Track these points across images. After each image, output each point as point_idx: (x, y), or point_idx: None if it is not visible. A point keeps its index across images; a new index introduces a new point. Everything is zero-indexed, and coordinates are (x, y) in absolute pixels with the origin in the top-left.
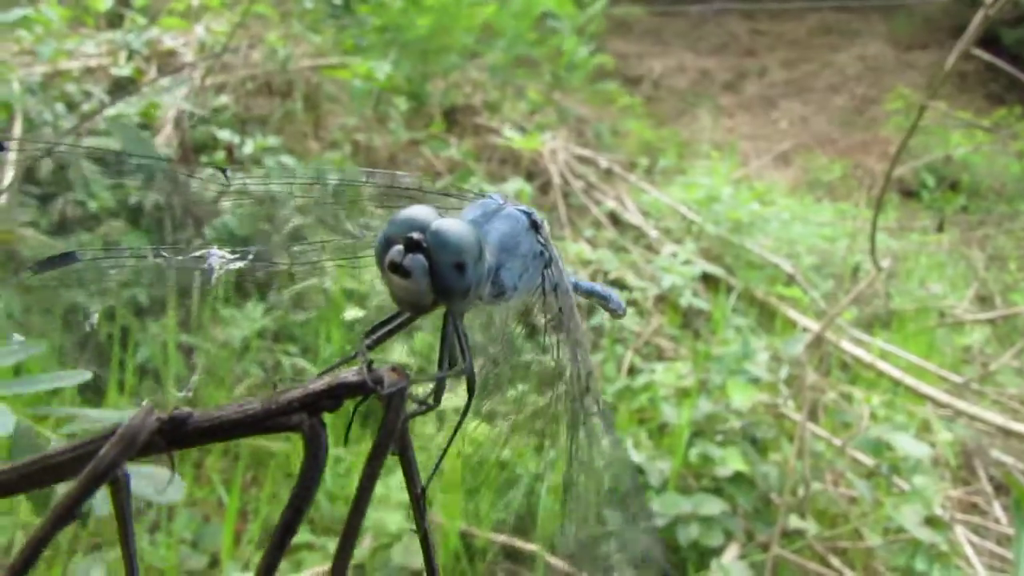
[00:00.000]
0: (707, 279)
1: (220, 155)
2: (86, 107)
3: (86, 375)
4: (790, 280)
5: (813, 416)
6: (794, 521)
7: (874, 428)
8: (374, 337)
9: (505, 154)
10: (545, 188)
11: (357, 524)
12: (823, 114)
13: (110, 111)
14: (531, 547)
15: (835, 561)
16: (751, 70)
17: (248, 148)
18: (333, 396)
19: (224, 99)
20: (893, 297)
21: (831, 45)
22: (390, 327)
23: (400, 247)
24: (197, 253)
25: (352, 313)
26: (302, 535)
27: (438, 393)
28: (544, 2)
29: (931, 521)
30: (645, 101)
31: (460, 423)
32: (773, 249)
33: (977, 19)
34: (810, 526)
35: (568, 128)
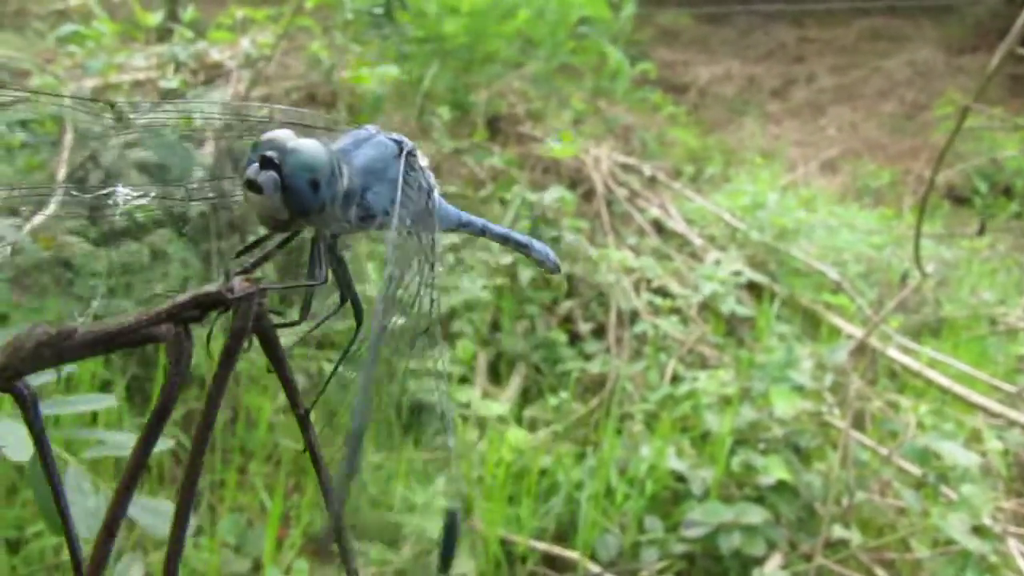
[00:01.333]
0: (751, 287)
1: None
2: (138, 118)
3: (111, 400)
4: (836, 287)
5: (859, 425)
6: (838, 531)
7: (921, 437)
8: (246, 258)
9: (548, 163)
10: (589, 196)
11: (208, 430)
12: (872, 120)
13: (160, 116)
14: (571, 554)
15: (881, 573)
16: (799, 76)
17: None
18: (196, 306)
19: (267, 110)
20: (943, 305)
21: (880, 50)
22: (264, 247)
23: (256, 165)
24: (104, 191)
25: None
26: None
27: (305, 309)
28: (579, 9)
29: (980, 531)
30: (691, 109)
31: (347, 349)
32: (819, 256)
33: (1021, 20)
34: (854, 536)
35: (614, 136)
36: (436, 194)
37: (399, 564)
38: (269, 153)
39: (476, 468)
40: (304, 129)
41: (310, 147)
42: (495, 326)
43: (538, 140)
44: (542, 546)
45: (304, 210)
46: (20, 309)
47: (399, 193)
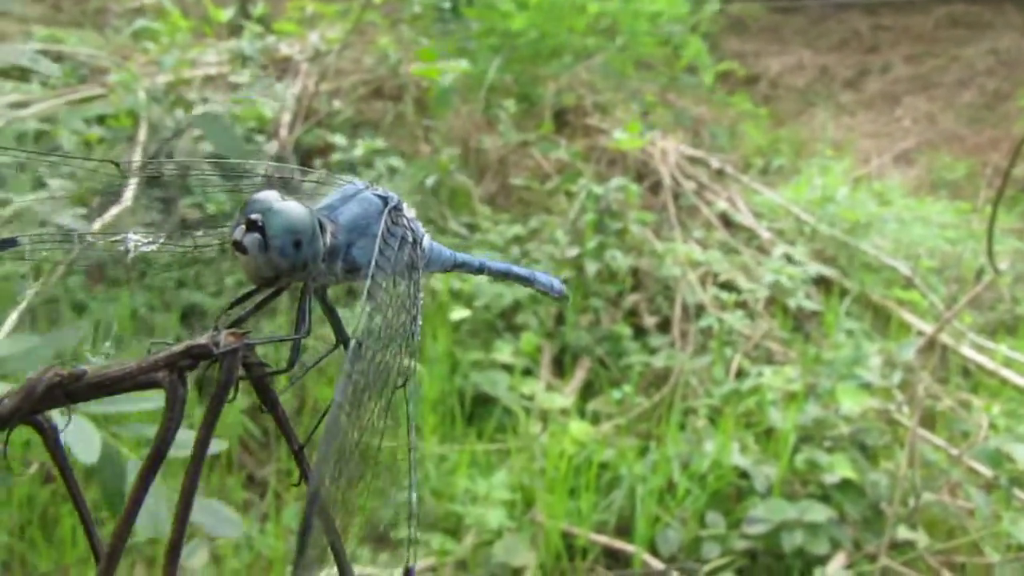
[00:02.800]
0: (820, 281)
1: (333, 158)
2: (199, 107)
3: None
4: (907, 283)
5: (928, 424)
6: (904, 532)
7: (994, 438)
8: (237, 310)
9: (615, 155)
10: (655, 189)
11: (196, 474)
12: (950, 111)
13: (214, 106)
14: (631, 548)
15: None
16: (873, 66)
17: (358, 151)
18: (189, 356)
19: (337, 104)
20: (1020, 302)
21: (960, 38)
22: (254, 300)
23: (242, 226)
24: (117, 236)
25: (459, 314)
26: (405, 530)
27: (292, 357)
28: (654, 3)
29: None
30: (762, 100)
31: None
32: (891, 251)
33: None
34: (921, 538)
35: (683, 129)
36: (427, 240)
37: (460, 554)
38: (253, 216)
39: (538, 460)
40: (292, 186)
41: (292, 209)
42: (560, 319)
43: (605, 132)
44: (602, 539)
45: (288, 268)
46: (96, 299)
47: (376, 250)
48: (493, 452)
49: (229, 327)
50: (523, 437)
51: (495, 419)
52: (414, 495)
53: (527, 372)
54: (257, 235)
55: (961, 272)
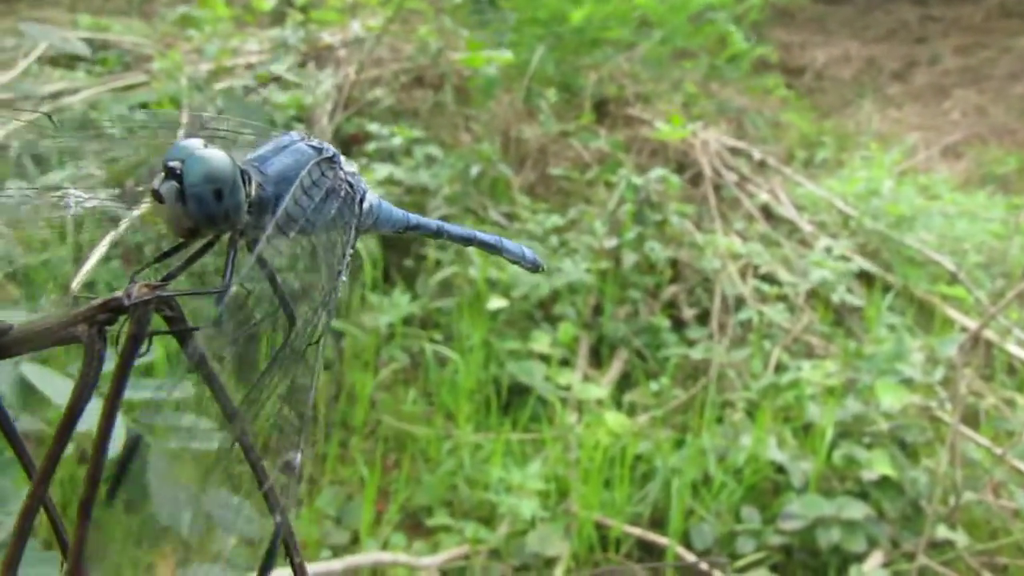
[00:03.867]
0: (862, 275)
1: (372, 146)
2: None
3: (189, 388)
4: (952, 278)
5: (972, 422)
6: (943, 531)
7: None
8: (162, 264)
9: (656, 146)
10: (696, 180)
11: (107, 434)
12: (1001, 103)
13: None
14: (665, 541)
15: None
16: (922, 58)
17: (397, 140)
18: (106, 310)
19: (378, 92)
20: None
21: (1012, 29)
22: (183, 255)
23: (161, 174)
24: (57, 193)
25: (496, 303)
26: (439, 518)
27: (219, 312)
28: None
29: None
30: (807, 92)
31: (282, 347)
32: (936, 246)
33: None
34: (961, 538)
35: (726, 120)
36: (373, 198)
37: (493, 543)
38: (172, 163)
39: (573, 451)
40: (224, 136)
41: (213, 157)
42: (597, 310)
43: (646, 123)
44: (636, 531)
45: (208, 219)
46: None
47: (285, 200)
48: (528, 442)
49: (162, 280)
50: (558, 427)
51: (531, 409)
52: (298, 456)
53: (564, 362)
54: (175, 183)
55: (1008, 268)
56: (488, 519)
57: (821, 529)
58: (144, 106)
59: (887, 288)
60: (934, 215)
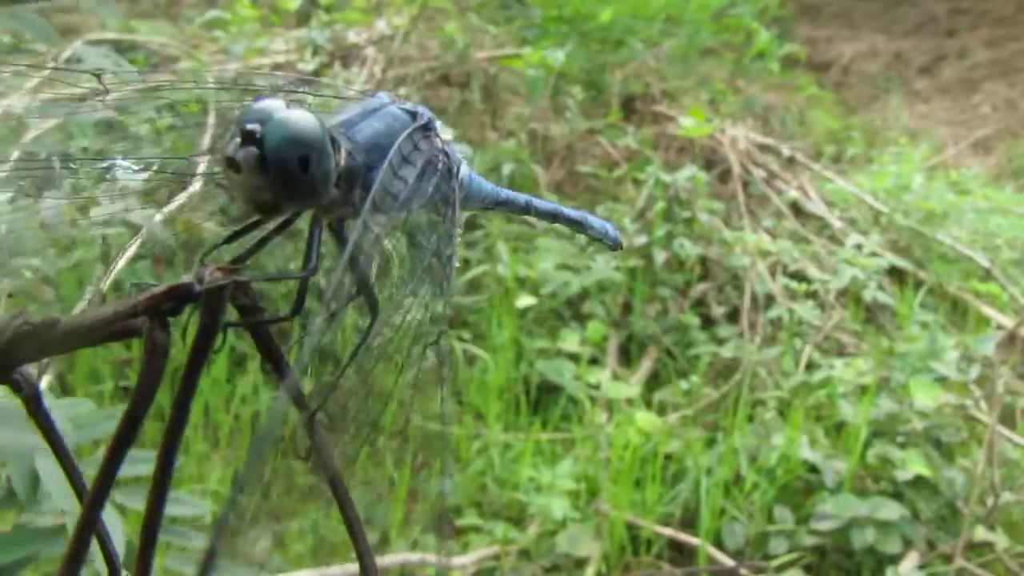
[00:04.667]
0: (894, 272)
1: None
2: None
3: None
4: (986, 275)
5: (1009, 421)
6: (981, 533)
7: None
8: (237, 245)
9: (683, 142)
10: (724, 177)
11: (180, 428)
12: None
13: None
14: (697, 541)
15: None
16: (950, 51)
17: None
18: (170, 298)
19: (404, 91)
20: None
21: None
22: (259, 235)
23: (237, 140)
24: (104, 163)
25: (525, 301)
26: (469, 518)
27: (298, 301)
28: None
29: None
30: (834, 87)
31: (361, 342)
32: (968, 242)
33: None
34: (1000, 539)
35: (753, 116)
36: (464, 170)
37: (523, 543)
38: (251, 126)
39: (603, 450)
40: (306, 98)
41: (298, 118)
42: (627, 308)
43: (673, 120)
44: (667, 532)
45: (292, 192)
46: (161, 282)
47: (380, 173)
48: (558, 441)
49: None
50: (588, 427)
51: (560, 408)
52: (447, 481)
53: (593, 361)
54: (254, 149)
55: None
56: (518, 519)
57: (855, 530)
58: (171, 107)
59: (919, 285)
60: (965, 210)
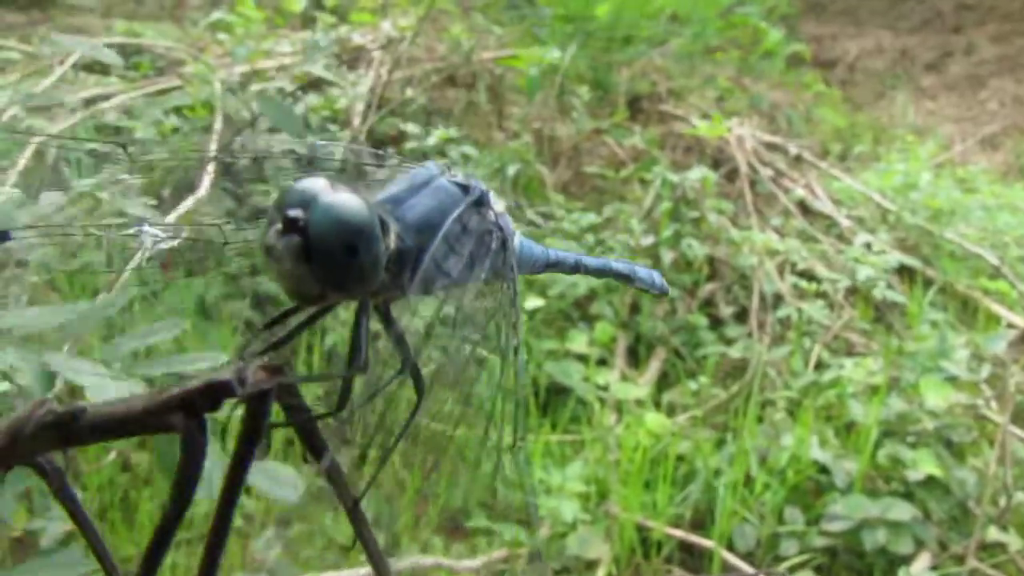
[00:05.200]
0: (902, 271)
1: (407, 146)
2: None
3: (222, 357)
4: (995, 272)
5: (1021, 420)
6: (994, 533)
7: None
8: (272, 334)
9: (690, 142)
10: (731, 176)
11: (221, 540)
12: None
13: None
14: (707, 543)
15: None
16: (957, 48)
17: (432, 140)
18: (208, 395)
19: (410, 92)
20: None
21: None
22: (295, 323)
23: (278, 227)
24: (130, 230)
25: (532, 303)
26: (478, 520)
27: (342, 397)
28: None
29: None
30: (840, 84)
31: (408, 423)
32: (977, 239)
33: None
34: (1013, 540)
35: (759, 115)
36: (517, 239)
37: (533, 546)
38: (293, 212)
39: (613, 452)
40: (344, 170)
41: (345, 203)
42: (635, 308)
43: (680, 119)
44: (678, 533)
45: (338, 282)
46: (171, 286)
47: (425, 262)
48: (567, 443)
49: (263, 351)
50: (597, 428)
51: (569, 410)
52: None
53: (602, 362)
54: (296, 238)
55: None
56: (528, 521)
57: (866, 530)
58: (178, 110)
59: (928, 283)
60: (974, 208)
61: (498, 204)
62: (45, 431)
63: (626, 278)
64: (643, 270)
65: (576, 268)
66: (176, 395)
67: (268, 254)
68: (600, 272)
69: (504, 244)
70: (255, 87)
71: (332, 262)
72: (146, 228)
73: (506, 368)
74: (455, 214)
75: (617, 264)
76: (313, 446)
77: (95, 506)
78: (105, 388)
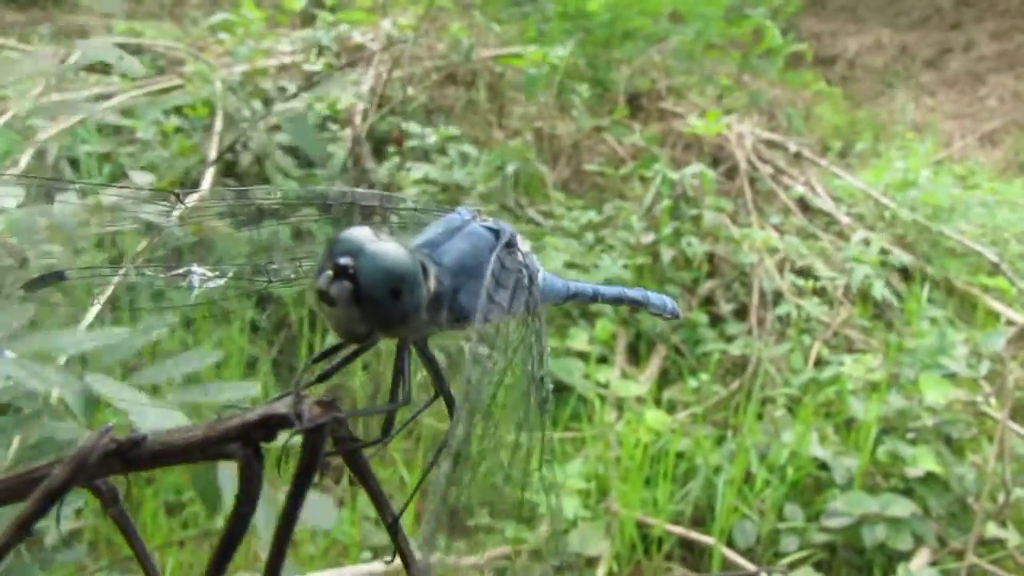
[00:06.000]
0: (902, 268)
1: (408, 145)
2: (279, 103)
3: (252, 388)
4: (993, 269)
5: (1020, 416)
6: (992, 529)
7: None
8: (321, 368)
9: (690, 139)
10: (731, 173)
11: (277, 567)
12: None
13: (296, 104)
14: (708, 539)
15: None
16: (956, 44)
17: (432, 138)
18: (264, 427)
19: (410, 91)
20: None
21: None
22: (340, 357)
23: (329, 273)
24: (179, 271)
25: None
26: (482, 518)
27: (387, 427)
28: None
29: None
30: (840, 81)
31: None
32: (975, 236)
33: None
34: (1011, 536)
35: (759, 112)
36: (541, 275)
37: (534, 543)
38: (343, 260)
39: (613, 449)
40: (385, 218)
41: (390, 252)
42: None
43: (680, 116)
44: (678, 530)
45: (385, 323)
46: (179, 289)
47: (481, 302)
48: (568, 440)
49: (312, 382)
50: (598, 425)
51: (570, 407)
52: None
53: (602, 360)
54: (348, 284)
55: None
56: (529, 519)
57: (866, 526)
58: (179, 110)
59: (926, 280)
60: (973, 205)
61: (524, 244)
62: (108, 458)
63: (639, 303)
64: (656, 296)
65: (594, 298)
66: (234, 426)
67: (321, 298)
68: (616, 300)
69: (531, 280)
70: (260, 85)
71: (380, 305)
72: (195, 268)
73: (533, 394)
74: (497, 250)
75: (632, 292)
76: (358, 470)
77: (97, 504)
78: (145, 414)
